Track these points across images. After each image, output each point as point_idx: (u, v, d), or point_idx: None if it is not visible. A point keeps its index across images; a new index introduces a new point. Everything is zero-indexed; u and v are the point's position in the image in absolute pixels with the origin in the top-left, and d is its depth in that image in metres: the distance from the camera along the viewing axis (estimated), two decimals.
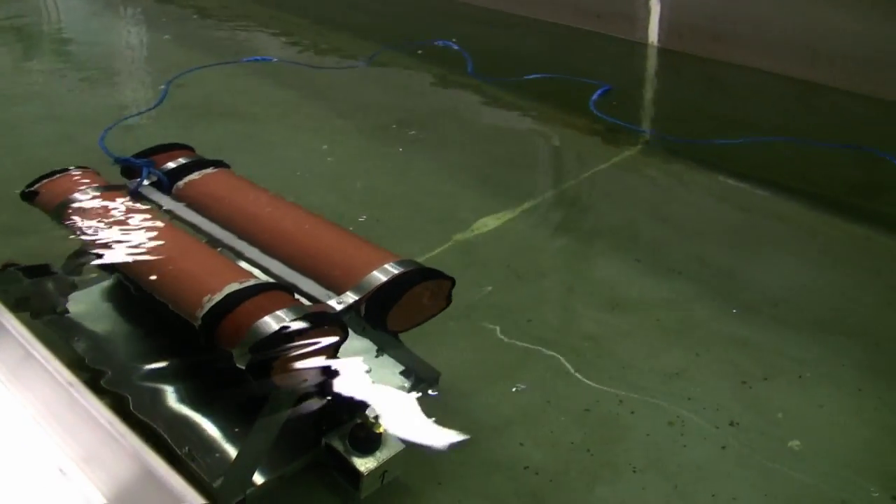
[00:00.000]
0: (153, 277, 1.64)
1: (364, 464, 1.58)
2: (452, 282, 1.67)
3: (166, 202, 1.91)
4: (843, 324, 2.38)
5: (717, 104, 4.19)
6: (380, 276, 1.59)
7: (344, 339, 1.53)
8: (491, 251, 2.68)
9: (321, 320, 1.48)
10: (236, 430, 1.65)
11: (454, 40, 4.62)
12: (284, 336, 1.44)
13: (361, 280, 1.59)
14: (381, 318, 1.58)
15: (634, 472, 1.80)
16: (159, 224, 1.78)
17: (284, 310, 1.48)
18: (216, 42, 4.84)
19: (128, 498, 1.01)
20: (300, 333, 1.44)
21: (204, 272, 1.62)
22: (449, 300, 1.69)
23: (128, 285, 1.95)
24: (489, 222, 2.83)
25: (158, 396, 1.73)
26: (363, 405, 1.67)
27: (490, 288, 2.38)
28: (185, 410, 1.71)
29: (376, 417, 1.63)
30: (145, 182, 1.95)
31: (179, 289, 1.60)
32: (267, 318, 1.45)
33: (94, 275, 2.03)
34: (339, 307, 1.55)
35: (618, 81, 4.11)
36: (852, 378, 2.13)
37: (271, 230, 1.77)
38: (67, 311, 1.93)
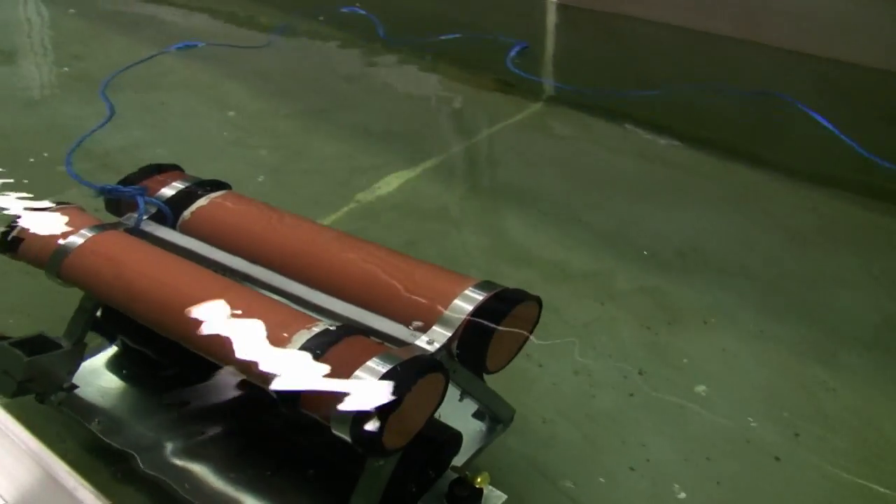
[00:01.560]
0: (198, 333, 1.37)
1: None
2: (539, 302, 1.47)
3: (177, 238, 1.63)
4: (745, 268, 2.48)
5: (619, 57, 4.35)
6: (466, 305, 1.38)
7: (447, 384, 1.32)
8: (394, 209, 2.73)
9: (424, 367, 1.26)
10: None
11: (358, 4, 4.64)
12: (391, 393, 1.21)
13: (445, 311, 1.38)
14: (478, 355, 1.37)
15: (544, 422, 1.81)
16: (183, 268, 1.51)
17: (376, 359, 1.25)
18: (124, 16, 4.59)
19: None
20: (406, 387, 1.22)
21: (261, 318, 1.37)
22: (536, 323, 1.49)
23: (140, 350, 1.68)
24: (393, 181, 2.89)
25: (201, 475, 1.49)
26: (449, 457, 1.48)
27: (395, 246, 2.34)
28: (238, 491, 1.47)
29: (473, 470, 1.44)
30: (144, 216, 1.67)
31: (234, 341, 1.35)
32: (360, 374, 1.23)
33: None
34: (431, 348, 1.33)
35: (526, 38, 4.25)
36: (754, 321, 2.22)
37: (315, 262, 1.52)
38: (76, 387, 1.64)
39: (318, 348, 1.27)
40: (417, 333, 1.36)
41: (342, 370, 1.24)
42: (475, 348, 1.36)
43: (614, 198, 2.88)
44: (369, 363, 1.24)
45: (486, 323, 1.36)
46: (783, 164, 3.17)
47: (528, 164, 3.12)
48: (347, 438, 1.21)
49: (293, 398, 1.26)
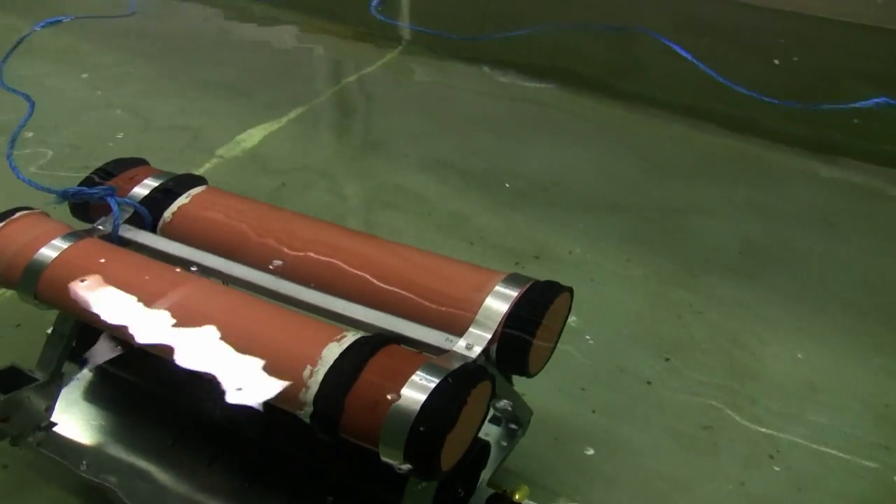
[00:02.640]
0: (213, 356, 1.23)
1: None
2: (571, 293, 1.38)
3: (165, 245, 1.47)
4: (608, 199, 2.57)
5: (476, 1, 4.49)
6: (500, 304, 1.28)
7: (493, 394, 1.23)
8: (258, 161, 2.72)
9: (474, 377, 1.16)
10: None
11: None
12: (446, 411, 1.11)
13: (479, 312, 1.27)
14: (520, 357, 1.27)
15: None
16: (182, 280, 1.36)
17: (420, 372, 1.14)
18: None
19: None
20: (461, 401, 1.12)
21: (280, 331, 1.24)
22: (568, 315, 1.40)
23: (124, 377, 1.51)
24: (256, 134, 2.88)
25: None
26: (479, 470, 1.38)
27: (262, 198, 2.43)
28: None
29: (510, 483, 1.36)
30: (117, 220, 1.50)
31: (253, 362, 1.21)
32: (408, 392, 1.12)
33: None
34: (472, 354, 1.23)
35: None
36: (620, 250, 2.31)
37: (328, 264, 1.39)
38: (54, 425, 1.46)
39: (354, 363, 1.16)
40: (454, 338, 1.26)
41: (386, 386, 1.13)
42: (517, 350, 1.26)
43: (478, 138, 2.94)
44: (414, 377, 1.13)
45: (526, 321, 1.26)
46: (644, 97, 3.31)
47: (392, 109, 3.19)
48: (400, 464, 1.10)
49: (332, 423, 1.14)
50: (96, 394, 1.52)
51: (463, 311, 1.28)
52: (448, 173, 2.68)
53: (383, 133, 3.00)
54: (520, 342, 1.25)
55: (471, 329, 1.26)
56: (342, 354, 1.17)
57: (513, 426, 1.51)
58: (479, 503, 1.36)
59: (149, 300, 1.29)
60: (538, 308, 1.28)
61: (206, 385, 1.23)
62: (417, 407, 1.09)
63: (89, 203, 1.55)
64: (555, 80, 3.42)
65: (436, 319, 1.29)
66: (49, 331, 1.49)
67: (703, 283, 2.19)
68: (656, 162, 2.81)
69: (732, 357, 1.94)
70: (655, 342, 1.96)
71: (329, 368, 1.16)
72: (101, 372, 1.54)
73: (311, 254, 1.41)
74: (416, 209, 2.46)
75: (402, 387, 1.12)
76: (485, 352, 1.24)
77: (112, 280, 1.32)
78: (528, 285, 1.31)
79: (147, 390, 1.50)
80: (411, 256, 1.41)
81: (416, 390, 1.11)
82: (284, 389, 1.17)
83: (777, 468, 1.67)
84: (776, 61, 3.66)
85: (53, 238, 1.40)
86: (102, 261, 1.36)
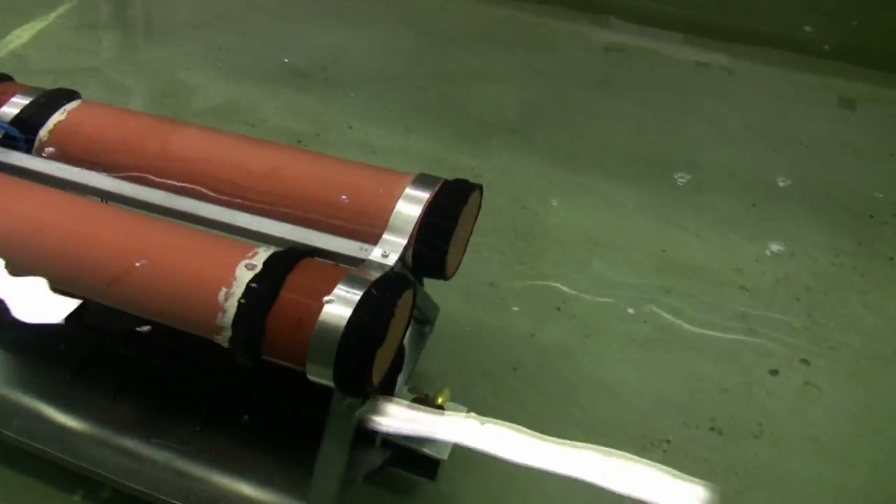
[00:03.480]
0: (120, 284, 1.16)
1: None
2: (481, 191, 1.36)
3: (45, 166, 1.35)
4: (386, 73, 2.64)
5: None
6: (413, 207, 1.25)
7: (416, 302, 1.21)
8: (32, 60, 2.62)
9: (398, 287, 1.14)
10: None
11: None
12: (374, 326, 1.09)
13: (390, 217, 1.24)
14: (437, 261, 1.26)
15: None
16: (71, 204, 1.26)
17: (341, 286, 1.11)
18: None
19: None
20: (388, 314, 1.10)
21: (185, 253, 1.18)
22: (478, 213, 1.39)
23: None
24: (24, 34, 2.76)
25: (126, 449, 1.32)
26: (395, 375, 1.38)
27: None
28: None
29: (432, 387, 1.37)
30: None
31: (159, 288, 1.15)
32: (332, 309, 1.08)
33: None
34: (388, 261, 1.21)
35: None
36: (400, 122, 2.38)
37: (227, 176, 1.32)
38: None
39: (272, 281, 1.11)
40: (368, 247, 1.23)
41: (307, 304, 1.09)
42: (435, 254, 1.25)
43: (256, 22, 2.94)
44: (339, 291, 1.10)
45: (441, 225, 1.25)
46: None
47: None
48: (328, 383, 1.09)
49: (255, 347, 1.10)
50: None
51: (374, 218, 1.25)
52: (227, 56, 2.69)
53: (159, 24, 2.96)
54: (437, 246, 1.24)
55: (385, 236, 1.23)
56: (258, 274, 1.13)
57: (422, 326, 1.51)
58: None
59: (38, 228, 1.20)
60: (452, 209, 1.26)
61: (108, 313, 1.18)
62: (344, 322, 1.07)
63: None
64: None
65: (346, 229, 1.26)
66: None
67: (485, 148, 2.28)
68: (434, 34, 2.88)
69: (516, 218, 2.03)
70: None
71: (245, 289, 1.11)
72: None
73: (205, 165, 1.33)
74: (197, 94, 2.46)
75: (324, 305, 1.09)
76: (402, 259, 1.22)
77: None
78: (438, 186, 1.28)
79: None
80: (314, 162, 1.36)
81: (341, 305, 1.09)
82: (198, 315, 1.12)
83: (565, 318, 1.79)
84: None
85: None
86: None
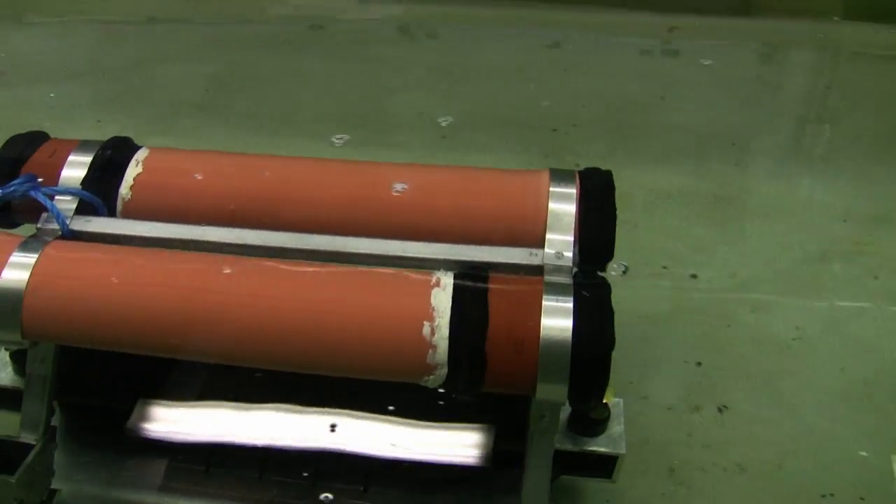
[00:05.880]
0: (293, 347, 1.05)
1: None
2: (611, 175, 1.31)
3: (143, 228, 1.20)
4: (70, 68, 2.67)
5: None
6: (568, 202, 1.19)
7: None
8: None
9: (600, 284, 1.08)
10: None
11: None
12: (603, 328, 1.03)
13: (547, 216, 1.18)
14: (603, 250, 1.20)
15: None
16: (205, 263, 1.12)
17: (546, 296, 1.04)
18: None
19: None
20: (609, 315, 1.04)
21: (368, 293, 1.08)
22: None
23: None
24: None
25: None
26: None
27: None
28: None
29: None
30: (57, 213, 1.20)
31: (352, 338, 1.05)
32: (551, 322, 1.02)
33: None
34: (564, 262, 1.14)
35: None
36: (90, 114, 2.41)
37: (356, 206, 1.21)
38: (56, 492, 1.18)
39: (476, 308, 1.04)
40: (537, 251, 1.16)
41: (522, 322, 1.03)
42: (603, 245, 1.19)
43: None
44: (546, 303, 1.03)
45: (601, 214, 1.19)
46: None
47: None
48: (558, 400, 1.03)
49: (475, 378, 1.03)
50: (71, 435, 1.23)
51: (531, 222, 1.18)
52: None
53: None
54: (604, 236, 1.19)
55: (548, 236, 1.17)
56: (455, 300, 1.04)
57: None
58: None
59: (192, 296, 1.06)
60: (605, 197, 1.21)
61: None
62: (568, 333, 1.01)
63: (10, 205, 1.23)
64: None
65: (502, 236, 1.19)
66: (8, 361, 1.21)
67: (179, 126, 2.36)
68: (111, 21, 3.02)
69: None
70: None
71: (451, 319, 1.03)
72: (65, 408, 1.25)
73: (326, 198, 1.23)
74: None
75: (539, 317, 1.02)
76: (575, 256, 1.16)
77: (127, 283, 1.07)
78: (578, 177, 1.23)
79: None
80: (431, 174, 1.28)
81: (556, 316, 1.02)
82: (404, 358, 1.03)
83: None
84: None
85: (9, 254, 1.10)
86: (97, 263, 1.09)
